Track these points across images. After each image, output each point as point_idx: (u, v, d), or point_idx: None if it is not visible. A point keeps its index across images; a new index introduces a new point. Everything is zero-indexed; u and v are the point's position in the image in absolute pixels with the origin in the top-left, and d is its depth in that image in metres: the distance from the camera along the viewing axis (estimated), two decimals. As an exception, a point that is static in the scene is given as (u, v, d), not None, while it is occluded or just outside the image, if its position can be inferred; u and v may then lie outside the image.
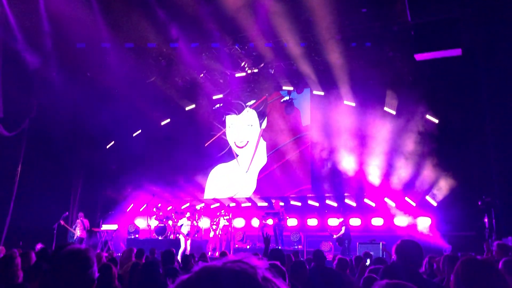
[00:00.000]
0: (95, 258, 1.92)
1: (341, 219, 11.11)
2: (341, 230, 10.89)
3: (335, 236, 10.98)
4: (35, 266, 3.55)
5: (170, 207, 13.60)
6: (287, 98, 14.51)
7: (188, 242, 11.35)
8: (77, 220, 12.43)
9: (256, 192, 14.61)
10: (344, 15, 10.71)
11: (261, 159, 14.85)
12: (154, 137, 14.59)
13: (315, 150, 13.69)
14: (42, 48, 11.16)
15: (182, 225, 11.64)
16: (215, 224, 12.00)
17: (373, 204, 12.79)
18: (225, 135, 15.42)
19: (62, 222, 11.77)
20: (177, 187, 14.69)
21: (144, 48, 12.47)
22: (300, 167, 14.07)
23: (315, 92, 13.88)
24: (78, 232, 12.13)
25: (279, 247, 10.26)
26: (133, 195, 14.55)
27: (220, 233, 11.83)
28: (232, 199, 14.65)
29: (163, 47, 12.45)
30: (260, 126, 15.09)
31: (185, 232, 11.40)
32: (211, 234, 12.28)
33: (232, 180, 14.99)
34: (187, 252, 10.80)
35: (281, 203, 12.92)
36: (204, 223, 12.99)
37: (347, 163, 12.81)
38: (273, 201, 12.88)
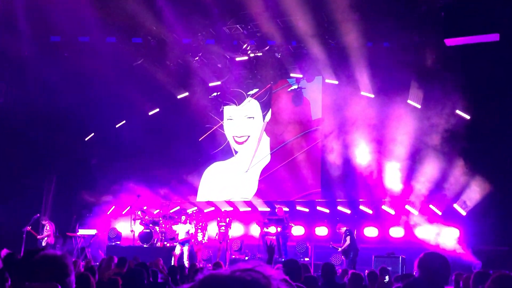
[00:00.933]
0: (72, 265, 1.90)
1: (344, 228, 11.17)
2: (345, 240, 10.93)
3: (340, 249, 11.05)
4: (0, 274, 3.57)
5: (158, 211, 13.69)
6: (295, 87, 14.56)
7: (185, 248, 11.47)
8: (44, 223, 12.51)
9: (257, 195, 14.70)
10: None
11: (264, 157, 14.94)
12: (141, 129, 14.65)
13: (326, 148, 13.80)
14: (10, 23, 11.26)
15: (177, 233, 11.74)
16: (200, 230, 12.06)
17: (392, 212, 12.86)
18: (222, 129, 15.49)
19: (28, 228, 11.83)
20: (166, 188, 14.81)
21: (131, 26, 12.54)
22: (308, 167, 14.14)
23: (327, 81, 13.90)
24: (45, 238, 12.23)
25: (283, 259, 10.32)
26: (114, 195, 14.66)
27: (206, 241, 11.93)
28: (229, 203, 14.74)
29: (153, 24, 12.49)
30: (263, 119, 15.17)
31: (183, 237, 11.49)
32: (205, 239, 12.40)
33: (229, 180, 15.05)
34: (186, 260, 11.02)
35: (286, 209, 13.02)
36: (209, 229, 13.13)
37: (364, 163, 12.90)
38: (277, 206, 12.92)
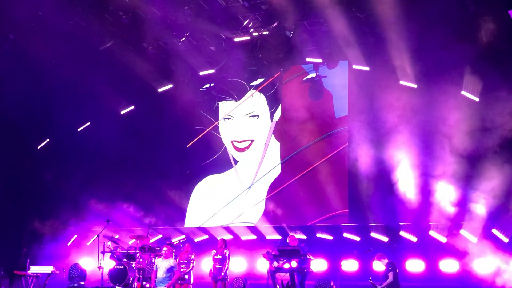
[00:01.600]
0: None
1: (386, 260, 11.03)
2: (387, 277, 10.80)
3: (379, 287, 10.91)
4: None
5: (133, 241, 13.41)
6: (312, 75, 14.39)
7: None
8: None
9: (264, 218, 14.63)
10: None
11: (272, 168, 14.78)
12: (110, 133, 14.53)
13: (354, 156, 13.69)
14: None
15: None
16: (184, 265, 11.77)
17: (443, 239, 12.81)
18: (217, 132, 15.38)
19: None
20: (144, 210, 14.72)
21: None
22: (331, 181, 14.03)
23: (355, 67, 13.80)
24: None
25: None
26: (76, 221, 14.57)
27: (192, 282, 11.74)
28: (227, 229, 14.66)
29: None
30: (271, 119, 15.00)
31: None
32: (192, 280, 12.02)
33: (227, 200, 14.95)
34: None
35: (303, 236, 13.05)
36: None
37: (405, 176, 12.92)
38: (291, 234, 12.74)
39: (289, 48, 13.71)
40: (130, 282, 12.50)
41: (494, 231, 12.17)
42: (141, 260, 12.52)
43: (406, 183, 12.92)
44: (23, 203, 14.76)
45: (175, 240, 13.94)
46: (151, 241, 13.95)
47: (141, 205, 14.73)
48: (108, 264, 13.03)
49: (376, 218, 13.34)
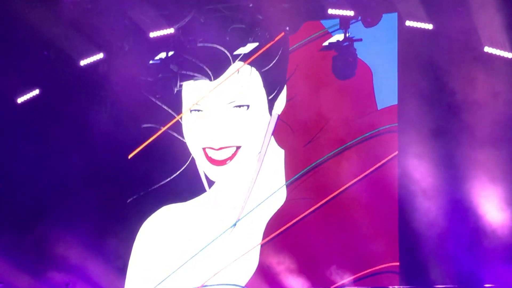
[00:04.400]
0: None
1: None
2: None
3: None
4: None
5: None
6: (339, 38, 13.92)
7: None
8: None
9: (258, 277, 14.20)
10: None
11: (272, 193, 14.39)
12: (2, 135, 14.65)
13: (409, 171, 13.37)
14: None
15: None
16: None
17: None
18: (180, 133, 15.15)
19: None
20: (55, 267, 14.59)
21: None
22: (372, 216, 13.57)
23: (410, 24, 13.48)
24: None
25: None
26: None
27: None
28: None
29: None
30: (270, 111, 14.68)
31: None
32: None
33: (196, 247, 14.65)
34: None
35: None
36: None
37: (495, 205, 12.60)
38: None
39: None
40: None
41: None
42: None
43: (498, 216, 12.69)
44: None
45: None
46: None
47: (51, 256, 14.51)
48: None
49: (446, 277, 12.95)
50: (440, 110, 13.25)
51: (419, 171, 13.15)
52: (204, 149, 14.83)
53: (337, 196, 13.80)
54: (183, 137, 15.02)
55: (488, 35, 12.88)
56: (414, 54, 13.62)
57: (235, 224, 14.40)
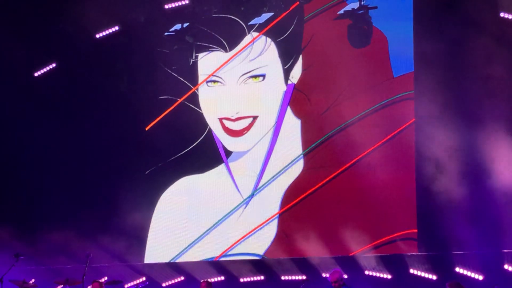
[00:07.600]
0: None
1: None
2: None
3: None
4: None
5: (61, 287, 13.76)
6: (353, 6, 13.89)
7: None
8: None
9: (276, 247, 14.32)
10: None
11: (290, 163, 14.43)
12: (14, 110, 14.89)
13: (426, 140, 13.40)
14: None
15: None
16: None
17: None
18: (197, 104, 15.13)
19: None
20: (77, 237, 14.70)
21: None
22: (388, 184, 13.65)
23: None
24: None
25: None
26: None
27: None
28: (216, 266, 14.57)
29: None
30: (286, 80, 14.61)
31: None
32: None
33: (215, 217, 14.72)
34: None
35: (343, 275, 12.25)
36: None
37: None
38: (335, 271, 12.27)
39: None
40: None
41: None
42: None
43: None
44: None
45: (127, 286, 14.28)
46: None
47: (71, 229, 14.53)
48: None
49: (464, 243, 12.92)
50: (457, 76, 13.28)
51: (436, 138, 13.22)
52: (220, 119, 14.84)
53: (355, 164, 13.83)
54: (199, 108, 15.02)
55: (506, 0, 12.81)
56: (429, 20, 13.61)
57: (252, 195, 14.45)
